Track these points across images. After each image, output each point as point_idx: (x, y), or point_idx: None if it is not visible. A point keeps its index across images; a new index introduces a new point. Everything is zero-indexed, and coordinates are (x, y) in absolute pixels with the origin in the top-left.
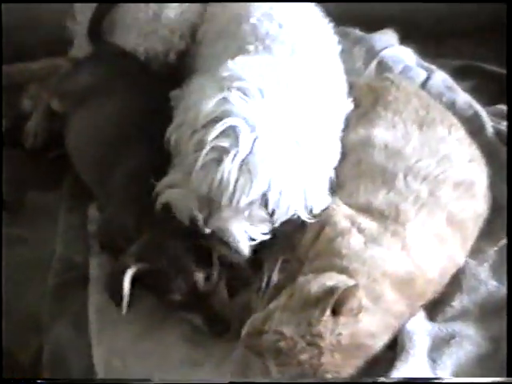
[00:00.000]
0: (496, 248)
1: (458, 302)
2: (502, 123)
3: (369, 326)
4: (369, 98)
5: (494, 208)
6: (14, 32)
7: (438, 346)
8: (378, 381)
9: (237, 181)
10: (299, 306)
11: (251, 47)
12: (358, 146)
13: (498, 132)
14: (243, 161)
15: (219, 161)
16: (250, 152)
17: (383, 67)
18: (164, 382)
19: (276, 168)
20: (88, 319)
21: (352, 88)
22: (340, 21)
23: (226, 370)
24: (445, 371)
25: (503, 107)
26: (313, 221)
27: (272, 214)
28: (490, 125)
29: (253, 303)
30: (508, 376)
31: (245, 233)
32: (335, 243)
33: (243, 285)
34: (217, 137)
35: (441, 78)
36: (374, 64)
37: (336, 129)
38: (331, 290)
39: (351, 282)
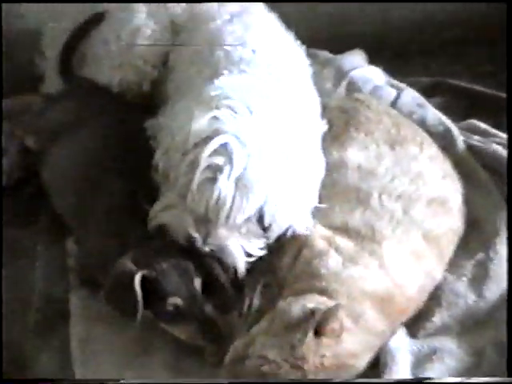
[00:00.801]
0: (473, 262)
1: (439, 318)
2: (473, 138)
3: (351, 346)
4: (340, 119)
5: (470, 222)
6: None
7: (421, 363)
8: (375, 381)
9: (233, 198)
10: (281, 330)
11: (225, 71)
12: (331, 168)
13: (469, 147)
14: (238, 178)
15: (214, 179)
16: (244, 168)
17: (353, 88)
18: (136, 381)
19: (271, 182)
20: (71, 352)
21: (324, 110)
22: (308, 42)
23: None
24: None
25: (473, 122)
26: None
27: (266, 229)
28: (460, 140)
29: (235, 328)
30: (508, 376)
31: (242, 249)
32: (313, 264)
33: (227, 308)
34: (209, 155)
35: (410, 95)
36: (343, 85)
37: (318, 145)
38: (312, 312)
39: (331, 303)
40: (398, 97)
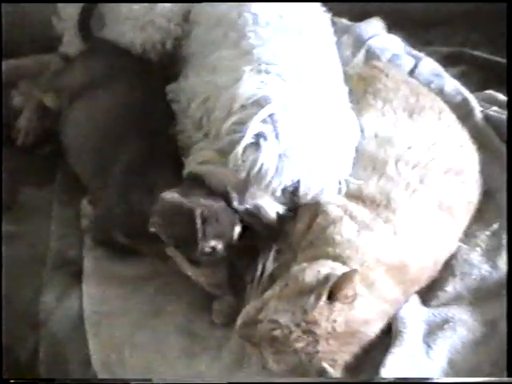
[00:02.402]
0: (488, 232)
1: (452, 287)
2: (491, 108)
3: (363, 313)
4: (358, 86)
5: (485, 193)
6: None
7: (433, 331)
8: (376, 381)
9: (276, 168)
10: (294, 295)
11: (252, 35)
12: None
13: (486, 117)
14: (282, 148)
15: (257, 145)
16: (288, 139)
17: (371, 56)
18: (164, 382)
19: (312, 155)
20: (84, 313)
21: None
22: (328, 10)
23: (223, 360)
24: (439, 356)
25: (491, 92)
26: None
27: (299, 195)
28: (478, 110)
29: (247, 293)
30: (508, 376)
31: (274, 209)
32: (328, 231)
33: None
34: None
35: (428, 65)
36: (362, 53)
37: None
38: (326, 278)
39: (345, 269)
40: (415, 66)
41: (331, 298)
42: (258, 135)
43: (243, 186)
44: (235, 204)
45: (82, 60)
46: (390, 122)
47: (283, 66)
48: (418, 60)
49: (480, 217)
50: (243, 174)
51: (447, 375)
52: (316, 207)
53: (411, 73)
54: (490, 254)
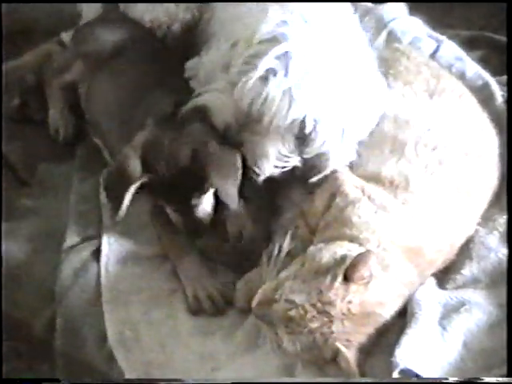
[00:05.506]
0: (506, 216)
1: (468, 270)
2: None
3: (379, 295)
4: (379, 68)
5: (504, 177)
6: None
7: (448, 314)
8: (377, 381)
9: (279, 103)
10: (310, 275)
11: (276, 11)
12: None
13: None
14: (287, 85)
15: (265, 80)
16: (298, 77)
17: (392, 38)
18: (195, 382)
19: (318, 99)
20: (100, 289)
21: None
22: None
23: (236, 339)
24: (454, 338)
25: None
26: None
27: (305, 146)
28: (499, 94)
29: (263, 273)
30: (508, 376)
31: (275, 150)
32: (346, 212)
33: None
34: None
35: (450, 48)
36: (383, 35)
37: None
38: (342, 259)
39: (361, 251)
40: (437, 49)
41: (347, 279)
42: (269, 70)
43: (244, 119)
44: (232, 133)
45: (102, 28)
46: (410, 103)
47: (308, 11)
48: (439, 43)
49: (498, 201)
50: (245, 105)
51: (462, 358)
52: (334, 188)
53: (432, 56)
54: (507, 238)
